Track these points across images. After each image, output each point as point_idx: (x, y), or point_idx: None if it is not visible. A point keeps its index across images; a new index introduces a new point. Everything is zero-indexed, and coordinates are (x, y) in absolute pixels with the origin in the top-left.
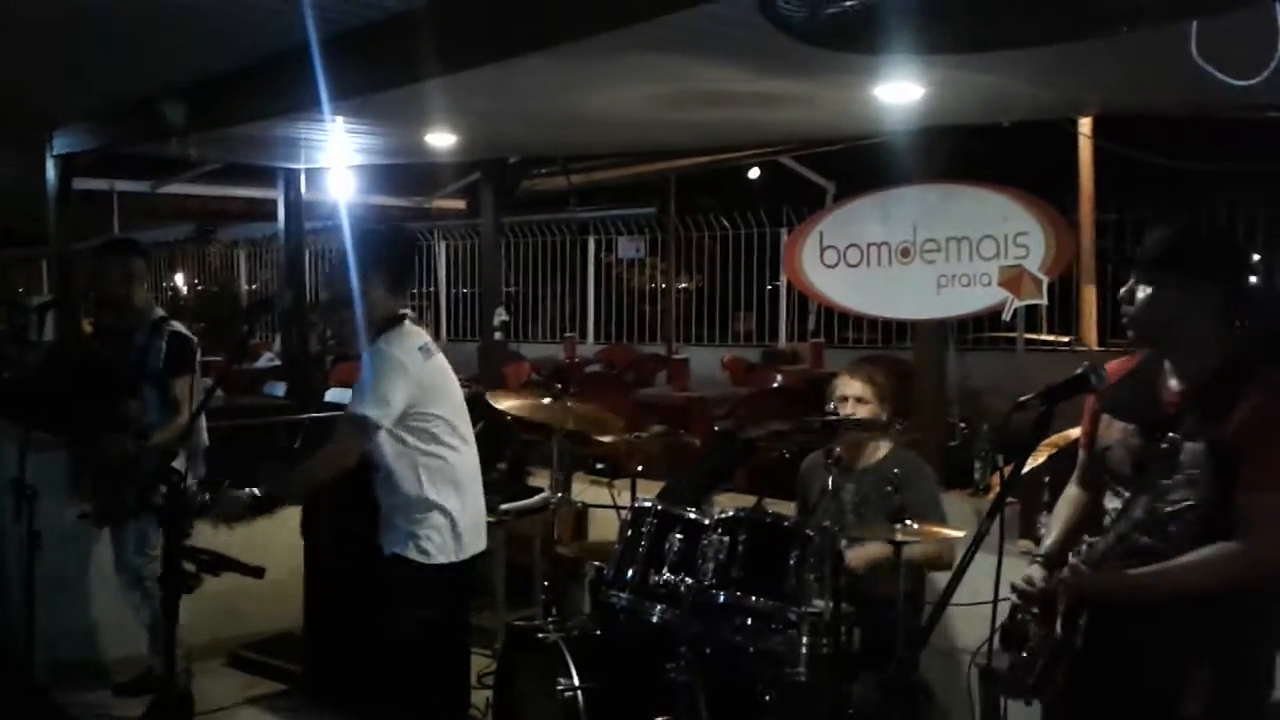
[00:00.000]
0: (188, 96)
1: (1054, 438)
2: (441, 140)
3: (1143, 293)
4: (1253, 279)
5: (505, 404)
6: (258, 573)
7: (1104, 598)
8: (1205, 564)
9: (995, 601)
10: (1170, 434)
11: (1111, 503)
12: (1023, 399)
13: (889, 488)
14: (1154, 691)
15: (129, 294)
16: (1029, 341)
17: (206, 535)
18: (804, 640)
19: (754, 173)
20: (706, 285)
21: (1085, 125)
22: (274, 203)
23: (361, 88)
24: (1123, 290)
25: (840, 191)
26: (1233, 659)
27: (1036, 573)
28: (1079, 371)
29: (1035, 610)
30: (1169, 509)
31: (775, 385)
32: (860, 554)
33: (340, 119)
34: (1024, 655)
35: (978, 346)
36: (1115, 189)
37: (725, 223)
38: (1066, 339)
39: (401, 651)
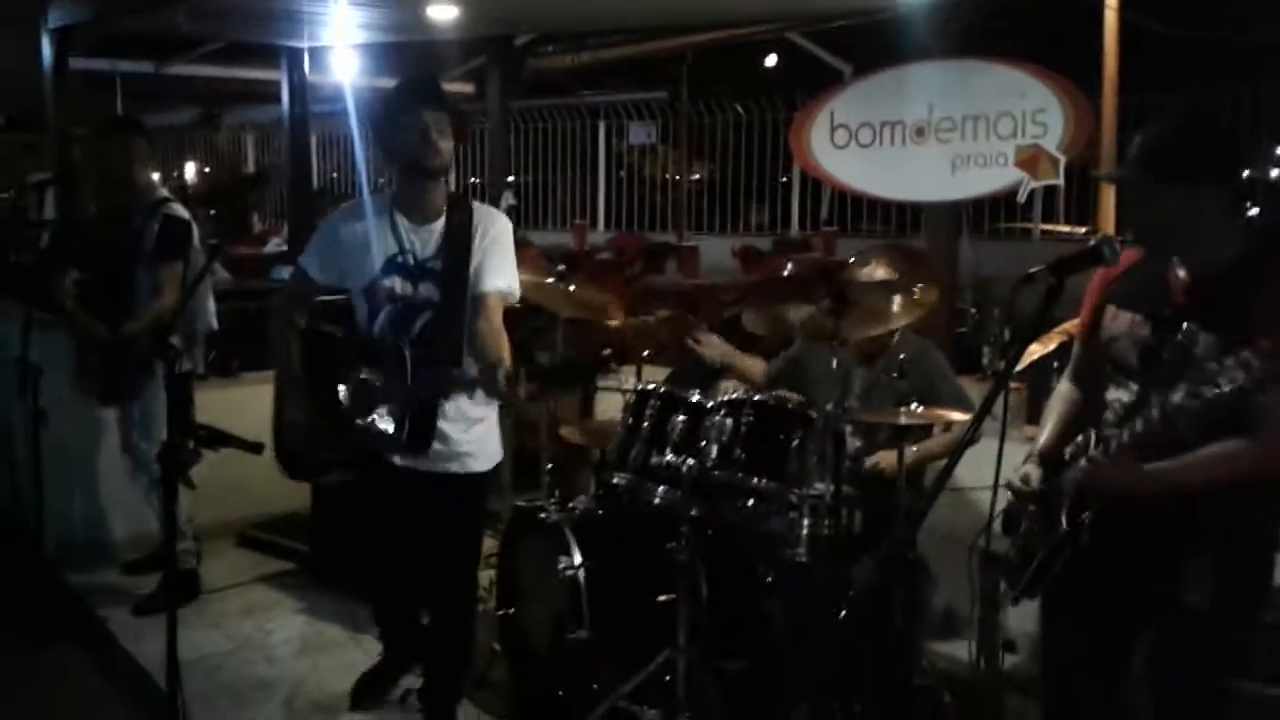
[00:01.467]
0: None
1: (1065, 325)
2: (443, 13)
3: (1140, 203)
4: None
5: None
6: (256, 448)
7: (1119, 492)
8: (1219, 459)
9: (995, 486)
10: (1185, 324)
11: (1116, 395)
12: (1031, 270)
13: (895, 374)
14: (1157, 583)
15: (129, 173)
16: (1046, 232)
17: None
18: (804, 522)
19: (771, 59)
20: (719, 173)
21: None
22: (279, 84)
23: None
24: (1120, 206)
25: (857, 75)
26: (1236, 549)
27: (1033, 471)
28: (1091, 243)
29: (1032, 508)
30: (1208, 394)
31: (786, 273)
32: (890, 459)
33: None
34: (1018, 551)
35: (993, 235)
36: (1141, 70)
37: (740, 109)
38: (1084, 229)
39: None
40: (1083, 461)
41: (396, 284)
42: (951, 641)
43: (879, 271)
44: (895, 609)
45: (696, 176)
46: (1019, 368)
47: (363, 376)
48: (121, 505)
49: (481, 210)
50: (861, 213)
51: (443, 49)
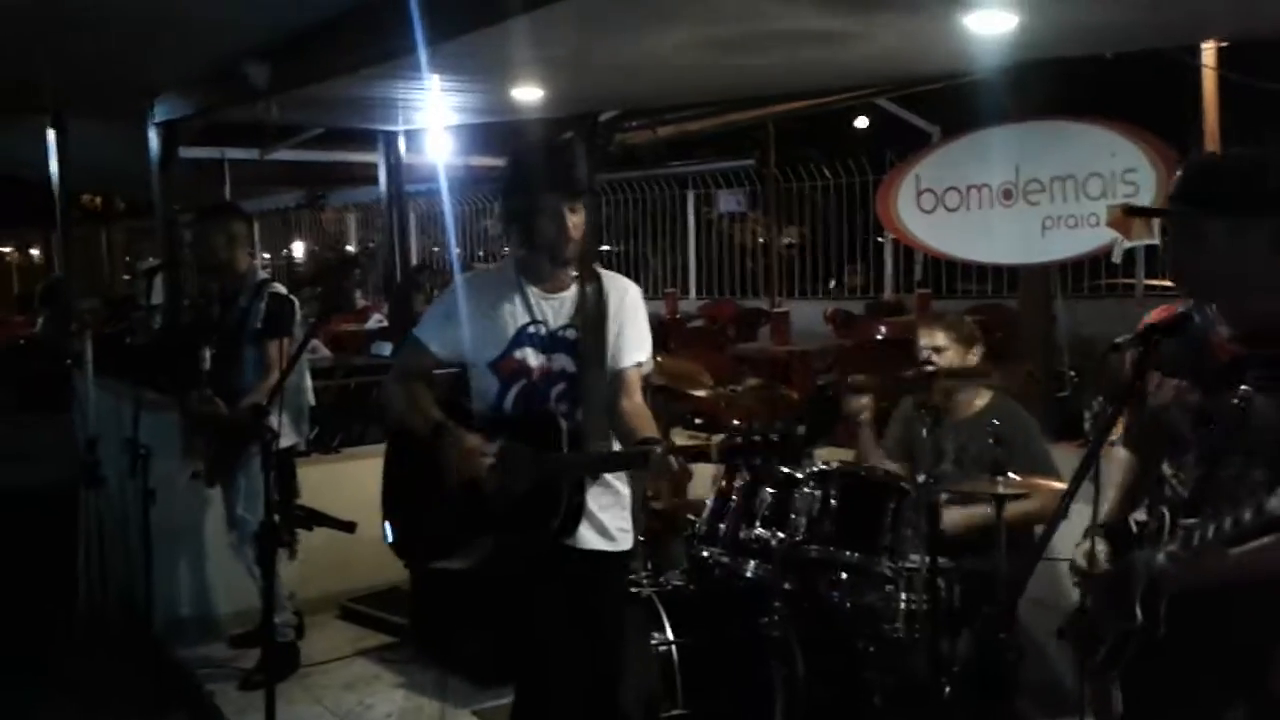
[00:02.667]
0: (270, 56)
1: None
2: (528, 95)
3: (1179, 237)
4: None
5: None
6: (349, 527)
7: (1203, 585)
8: None
9: (1092, 553)
10: (1241, 387)
11: (1174, 470)
12: (1118, 340)
13: (990, 440)
14: (1244, 668)
15: (231, 258)
16: (1150, 288)
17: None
18: (901, 596)
19: (861, 121)
20: (810, 237)
21: (1208, 57)
22: (377, 166)
23: (439, 34)
24: (1163, 243)
25: (944, 137)
26: None
27: (1099, 548)
28: (1180, 309)
29: (1101, 591)
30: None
31: (879, 337)
32: (957, 515)
33: (430, 75)
34: (1086, 629)
35: (1094, 294)
36: (1242, 124)
37: (827, 172)
38: None
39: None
40: (1161, 557)
41: (529, 356)
42: (1062, 718)
43: (936, 337)
44: (996, 683)
45: (789, 241)
46: (1115, 435)
47: (511, 445)
48: (226, 581)
49: (611, 278)
50: (956, 274)
51: (531, 127)
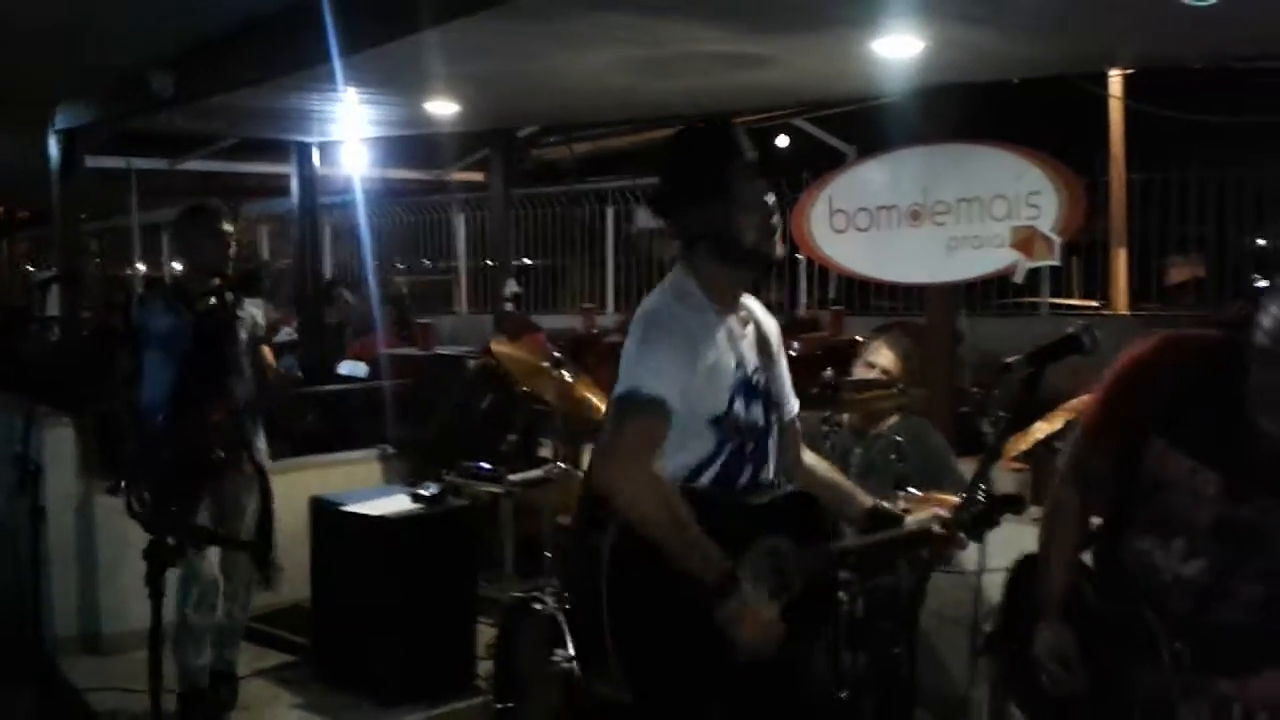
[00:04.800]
0: (176, 65)
1: (1073, 403)
2: (443, 109)
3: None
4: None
5: (502, 349)
6: (245, 546)
7: None
8: None
9: (980, 572)
10: (1269, 499)
11: (1164, 558)
12: (1008, 360)
13: (893, 455)
14: None
15: (227, 260)
16: (1056, 306)
17: None
18: None
19: (782, 140)
20: None
21: (1115, 86)
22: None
23: (349, 46)
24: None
25: (861, 156)
26: None
27: (1066, 641)
28: (1069, 331)
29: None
30: None
31: (792, 353)
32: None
33: (343, 87)
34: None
35: (1002, 312)
36: (1144, 147)
37: None
38: (1095, 304)
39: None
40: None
41: (742, 408)
42: None
43: (883, 354)
44: (895, 694)
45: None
46: (1024, 448)
47: (773, 546)
48: (118, 599)
49: (752, 303)
50: (869, 291)
51: (451, 140)
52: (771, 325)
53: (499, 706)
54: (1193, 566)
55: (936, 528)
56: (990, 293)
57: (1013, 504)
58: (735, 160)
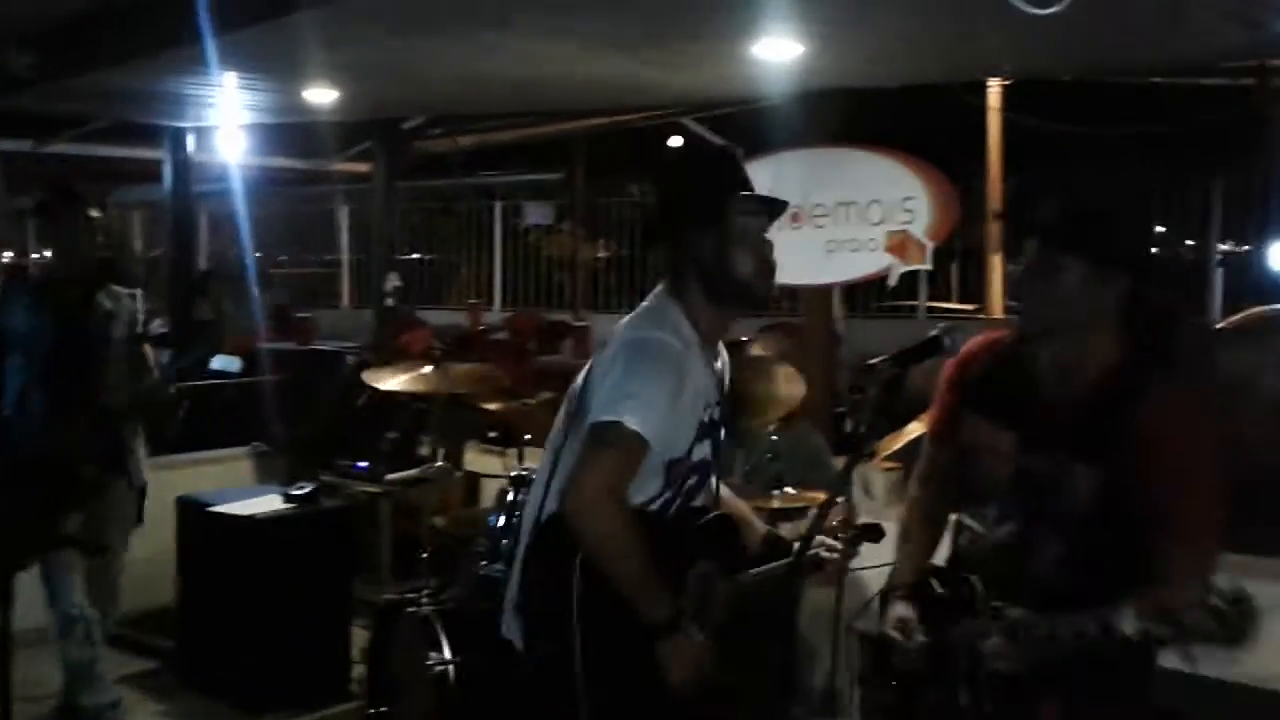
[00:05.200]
0: (36, 43)
1: None
2: (322, 96)
3: (1038, 274)
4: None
5: (378, 380)
6: (100, 550)
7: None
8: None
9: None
10: (1059, 452)
11: (977, 524)
12: (871, 362)
13: (769, 455)
14: None
15: (92, 252)
16: (934, 310)
17: None
18: None
19: (675, 140)
20: (623, 253)
21: (993, 96)
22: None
23: (220, 26)
24: (1015, 269)
25: (747, 157)
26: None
27: (907, 613)
28: (932, 334)
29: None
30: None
31: None
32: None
33: (216, 71)
34: (900, 698)
35: (881, 314)
36: (1022, 156)
37: (634, 189)
38: (972, 308)
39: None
40: (989, 648)
41: (695, 451)
42: None
43: (758, 353)
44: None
45: (603, 255)
46: (897, 447)
47: (704, 572)
48: None
49: None
50: None
51: (333, 129)
52: (725, 354)
53: (373, 711)
54: (1004, 529)
55: (825, 553)
56: (871, 295)
57: (872, 533)
58: (736, 191)
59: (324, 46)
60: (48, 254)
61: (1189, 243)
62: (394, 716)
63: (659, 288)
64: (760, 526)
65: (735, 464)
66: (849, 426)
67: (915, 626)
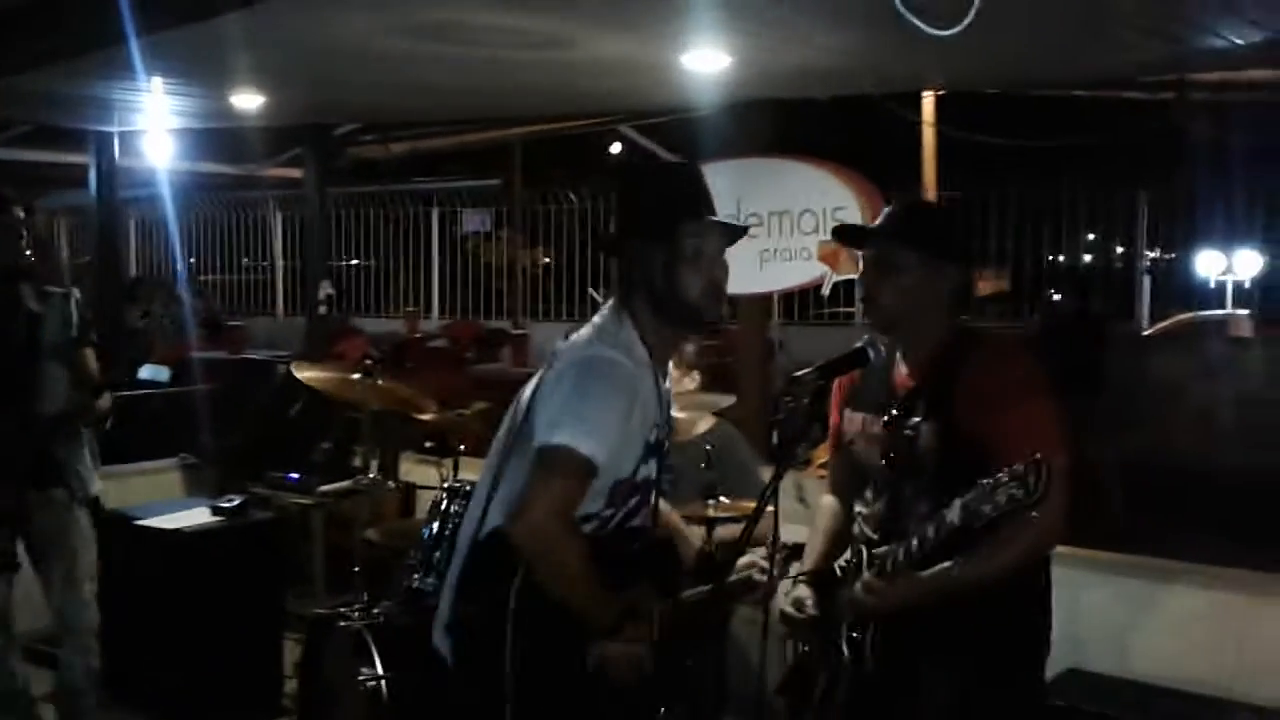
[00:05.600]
0: None
1: None
2: (249, 101)
3: (876, 268)
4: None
5: (307, 374)
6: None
7: (900, 609)
8: (1005, 548)
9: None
10: (908, 419)
11: (860, 505)
12: (797, 374)
13: (702, 463)
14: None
15: (17, 253)
16: None
17: None
18: None
19: (615, 147)
20: (563, 260)
21: (926, 107)
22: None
23: (140, 27)
24: (860, 271)
25: None
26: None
27: (804, 594)
28: (857, 345)
29: (808, 634)
30: (987, 512)
31: None
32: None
33: (140, 74)
34: (800, 678)
35: (818, 321)
36: (956, 167)
37: (573, 196)
38: None
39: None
40: (858, 587)
41: (643, 469)
42: None
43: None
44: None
45: (547, 260)
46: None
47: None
48: None
49: None
50: None
51: (266, 133)
52: (671, 373)
53: None
54: (880, 503)
55: (757, 575)
56: (809, 303)
57: (799, 553)
58: (691, 210)
59: (248, 50)
60: None
61: (1118, 250)
62: None
63: (610, 303)
64: (694, 543)
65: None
66: (775, 437)
67: (808, 602)
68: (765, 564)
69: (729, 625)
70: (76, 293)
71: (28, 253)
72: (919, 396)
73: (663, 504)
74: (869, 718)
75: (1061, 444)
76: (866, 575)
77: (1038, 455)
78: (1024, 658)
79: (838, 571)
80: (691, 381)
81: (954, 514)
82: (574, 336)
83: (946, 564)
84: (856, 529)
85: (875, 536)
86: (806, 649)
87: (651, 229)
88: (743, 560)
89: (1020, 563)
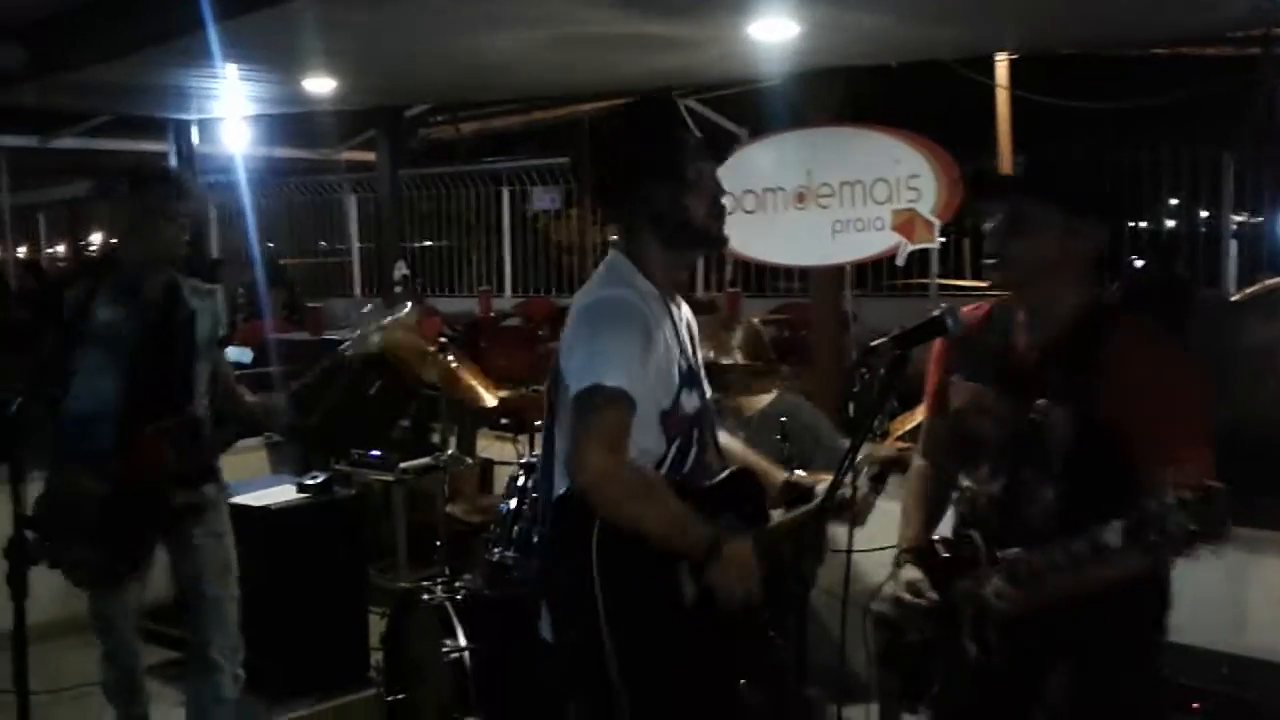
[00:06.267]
0: (24, 37)
1: None
2: (321, 86)
3: (1011, 226)
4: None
5: (393, 335)
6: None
7: (1028, 611)
8: (1128, 563)
9: (850, 551)
10: (1035, 399)
11: (970, 483)
12: (873, 344)
13: (777, 436)
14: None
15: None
16: (943, 287)
17: None
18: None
19: None
20: None
21: (1000, 71)
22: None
23: (216, 14)
24: (988, 225)
25: (751, 137)
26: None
27: (917, 575)
28: (934, 314)
29: (923, 622)
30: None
31: None
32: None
33: (217, 62)
34: (916, 667)
35: (891, 293)
36: (1029, 131)
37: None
38: (984, 284)
39: None
40: (989, 593)
41: (685, 400)
42: (857, 705)
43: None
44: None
45: (615, 238)
46: (909, 427)
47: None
48: None
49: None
50: (765, 273)
51: (336, 118)
52: (688, 310)
53: (391, 698)
54: (997, 484)
55: (847, 491)
56: (882, 274)
57: (897, 466)
58: (684, 136)
59: (320, 34)
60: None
61: (1203, 214)
62: (411, 703)
63: (610, 252)
64: (779, 474)
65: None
66: (851, 410)
67: (925, 587)
68: (858, 482)
69: (806, 598)
70: (220, 290)
71: (184, 240)
72: (1048, 375)
73: (736, 442)
74: (994, 712)
75: (1213, 450)
76: (997, 581)
77: (1210, 484)
78: (1143, 646)
79: (942, 551)
80: (739, 354)
81: (1113, 536)
82: (578, 293)
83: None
84: (964, 505)
85: (991, 519)
86: (915, 635)
87: (657, 166)
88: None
89: (1151, 568)
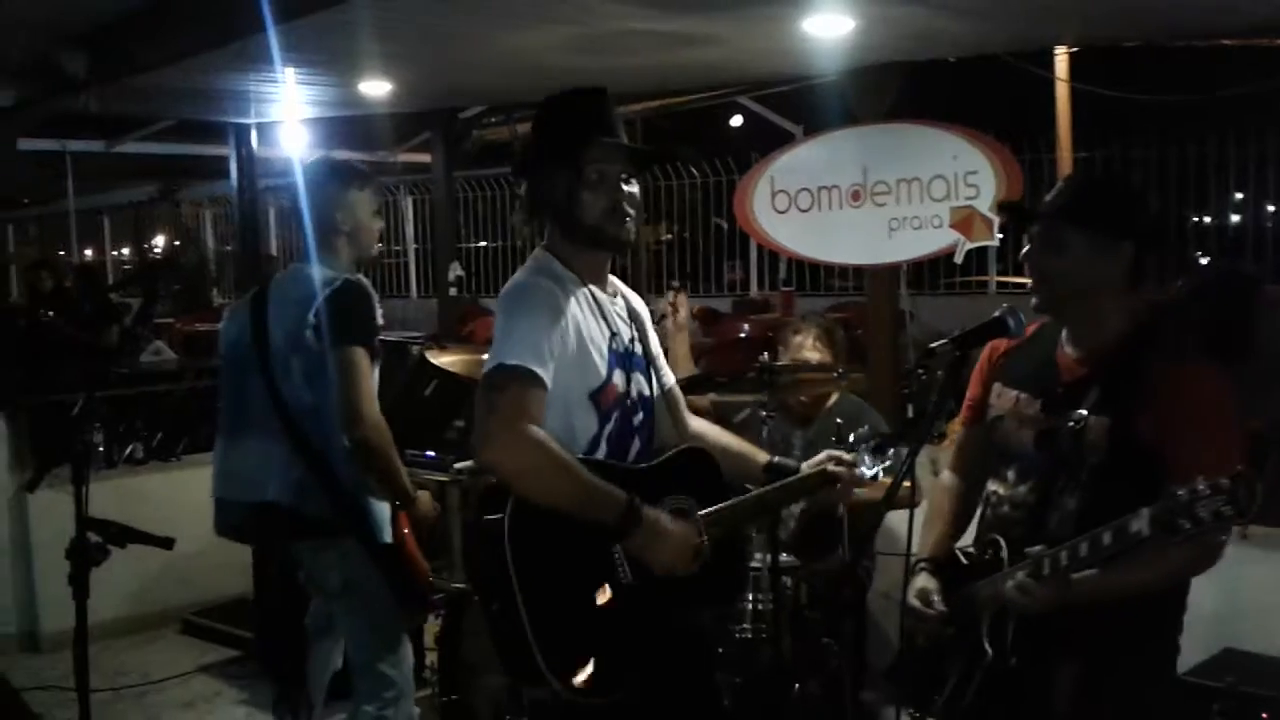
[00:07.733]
0: (88, 43)
1: None
2: (376, 89)
3: (1044, 246)
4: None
5: (441, 360)
6: (166, 544)
7: (1050, 609)
8: (1168, 560)
9: (908, 555)
10: (1077, 410)
11: (997, 487)
12: (933, 345)
13: (833, 437)
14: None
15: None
16: (1001, 285)
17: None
18: (747, 596)
19: (736, 120)
20: (689, 234)
21: (1060, 65)
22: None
23: (275, 17)
24: (1024, 250)
25: (805, 135)
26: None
27: (930, 585)
28: (995, 314)
29: (934, 628)
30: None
31: (742, 335)
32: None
33: (275, 66)
34: (925, 667)
35: (949, 291)
36: (1090, 125)
37: (694, 171)
38: None
39: None
40: (1011, 586)
41: (619, 380)
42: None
43: (808, 342)
44: (845, 678)
45: (668, 236)
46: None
47: (675, 504)
48: (54, 596)
49: (616, 280)
50: (819, 271)
51: (392, 121)
52: (639, 301)
53: (444, 699)
54: (1024, 488)
55: (832, 466)
56: (939, 273)
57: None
58: (591, 134)
59: (376, 37)
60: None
61: (1269, 209)
62: (466, 703)
63: (538, 246)
64: (760, 455)
65: (795, 441)
66: (910, 411)
67: (935, 596)
68: (844, 455)
69: (863, 599)
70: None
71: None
72: (1090, 387)
73: (712, 427)
74: (1006, 712)
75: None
76: (1020, 576)
77: (1240, 468)
78: (1158, 648)
79: (962, 559)
80: (815, 353)
81: (1142, 524)
82: None
83: (1089, 574)
84: (988, 511)
85: (1018, 522)
86: (926, 640)
87: (554, 153)
88: (816, 457)
89: (1180, 576)
